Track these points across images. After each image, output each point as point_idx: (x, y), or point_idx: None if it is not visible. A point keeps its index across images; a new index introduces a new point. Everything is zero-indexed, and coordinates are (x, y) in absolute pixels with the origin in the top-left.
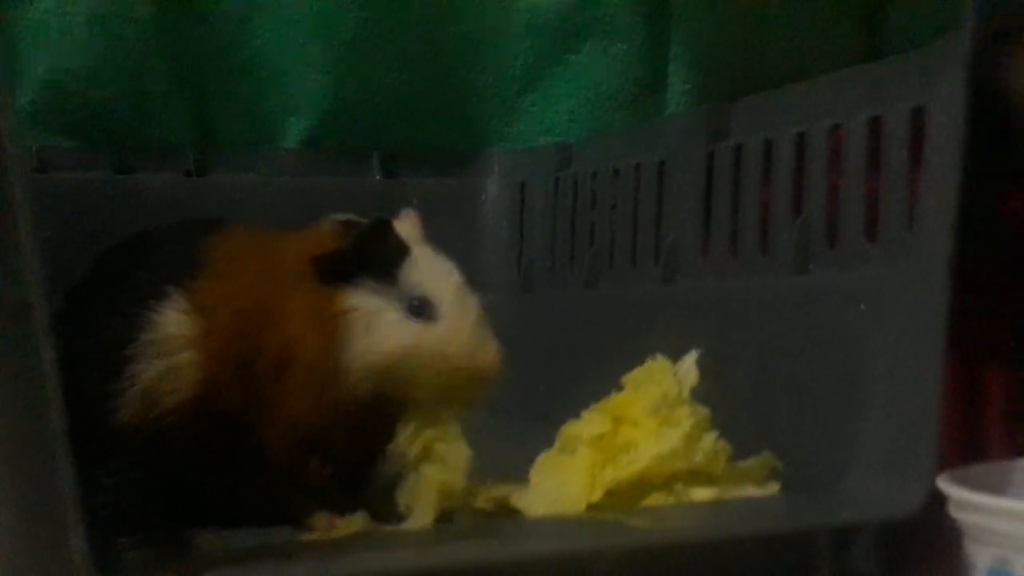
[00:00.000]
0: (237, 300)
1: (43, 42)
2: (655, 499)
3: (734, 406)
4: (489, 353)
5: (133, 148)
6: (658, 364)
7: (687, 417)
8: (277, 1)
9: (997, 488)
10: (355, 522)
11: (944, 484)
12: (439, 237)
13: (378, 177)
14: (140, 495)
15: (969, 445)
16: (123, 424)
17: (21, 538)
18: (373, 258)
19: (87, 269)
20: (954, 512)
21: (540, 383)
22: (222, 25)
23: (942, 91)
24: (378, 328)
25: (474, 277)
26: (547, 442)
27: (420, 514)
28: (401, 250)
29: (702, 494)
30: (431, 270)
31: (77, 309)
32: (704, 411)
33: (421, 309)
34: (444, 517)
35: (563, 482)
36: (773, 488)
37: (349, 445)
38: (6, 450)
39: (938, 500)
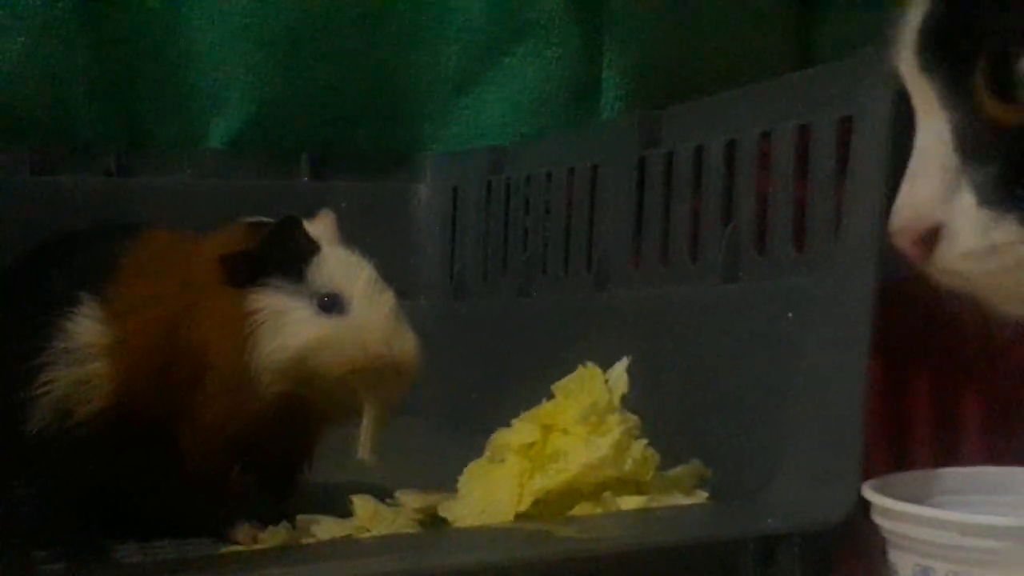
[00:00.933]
0: (150, 306)
1: None
2: (583, 508)
3: (664, 414)
4: (405, 344)
5: (52, 148)
6: (588, 372)
7: (617, 425)
8: None
9: (920, 496)
10: (278, 534)
11: (868, 492)
12: (369, 241)
13: (306, 179)
14: (57, 506)
15: (896, 450)
16: (37, 434)
17: None
18: (281, 257)
19: (1, 274)
20: (878, 519)
21: (471, 391)
22: (147, 20)
23: (868, 101)
24: (287, 326)
25: (405, 282)
26: (477, 451)
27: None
28: (310, 248)
29: (630, 502)
30: (341, 266)
31: None
32: (634, 419)
33: (331, 304)
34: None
35: (491, 491)
36: (701, 496)
37: (271, 452)
38: None
39: (863, 507)
